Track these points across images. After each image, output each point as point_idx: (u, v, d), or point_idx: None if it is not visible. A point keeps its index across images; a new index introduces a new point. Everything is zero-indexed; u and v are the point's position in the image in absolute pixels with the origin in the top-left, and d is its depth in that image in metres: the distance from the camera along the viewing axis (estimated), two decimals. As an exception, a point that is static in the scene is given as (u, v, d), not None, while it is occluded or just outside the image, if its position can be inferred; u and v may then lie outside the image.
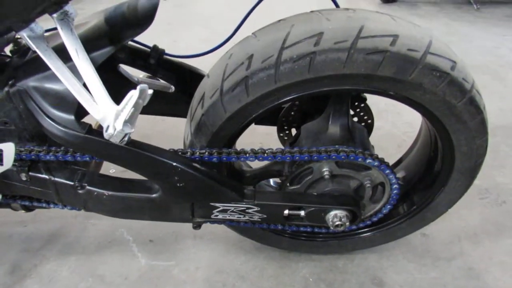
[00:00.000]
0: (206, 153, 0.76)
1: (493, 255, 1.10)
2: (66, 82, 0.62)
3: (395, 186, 0.84)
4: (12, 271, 1.05)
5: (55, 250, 1.12)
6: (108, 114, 0.59)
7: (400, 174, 1.00)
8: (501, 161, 1.48)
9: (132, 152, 0.71)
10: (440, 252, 1.11)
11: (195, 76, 0.96)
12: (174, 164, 0.73)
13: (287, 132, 1.02)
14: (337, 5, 0.86)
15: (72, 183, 0.79)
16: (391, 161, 0.99)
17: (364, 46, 0.67)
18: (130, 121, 0.58)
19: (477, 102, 0.74)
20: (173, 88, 0.98)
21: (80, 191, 0.79)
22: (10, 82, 0.72)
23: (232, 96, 0.72)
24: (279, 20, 0.78)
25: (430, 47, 0.70)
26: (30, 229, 1.18)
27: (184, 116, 0.95)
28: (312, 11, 0.77)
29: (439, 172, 0.89)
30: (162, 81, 0.97)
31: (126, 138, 0.62)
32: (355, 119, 0.98)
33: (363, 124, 0.97)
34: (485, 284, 1.03)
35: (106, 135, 0.59)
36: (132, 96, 0.56)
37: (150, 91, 0.61)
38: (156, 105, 0.96)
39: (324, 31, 0.69)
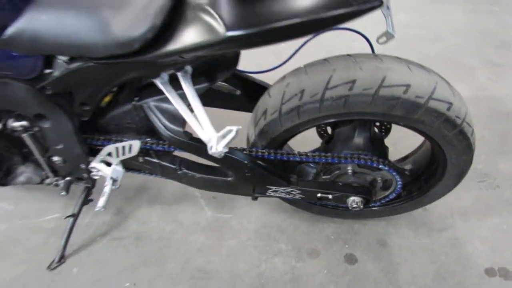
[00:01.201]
0: (266, 153, 1.10)
1: (477, 230, 1.42)
2: (183, 112, 0.95)
3: (399, 182, 1.16)
4: (117, 213, 1.47)
5: (144, 200, 1.52)
6: (212, 139, 0.92)
7: (407, 166, 1.30)
8: (509, 147, 1.73)
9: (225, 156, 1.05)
10: (435, 224, 1.44)
11: (256, 86, 1.26)
12: (245, 162, 1.08)
13: (324, 128, 1.33)
14: (373, 50, 1.11)
15: (174, 166, 1.15)
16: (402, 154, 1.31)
17: (384, 94, 0.95)
18: (226, 146, 0.91)
19: (466, 132, 1.02)
20: (239, 92, 1.29)
21: (179, 172, 1.16)
22: (136, 99, 1.05)
23: (287, 117, 1.03)
24: (325, 60, 1.06)
25: (433, 93, 0.97)
26: (127, 181, 1.56)
27: (243, 110, 1.29)
28: (349, 55, 1.04)
29: (435, 172, 1.19)
30: (231, 86, 1.28)
31: (225, 150, 0.95)
32: (377, 123, 1.27)
33: (383, 128, 1.26)
34: (465, 252, 1.36)
35: (210, 152, 0.93)
36: (231, 131, 0.88)
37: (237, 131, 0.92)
38: (226, 102, 1.30)
39: (357, 79, 0.97)
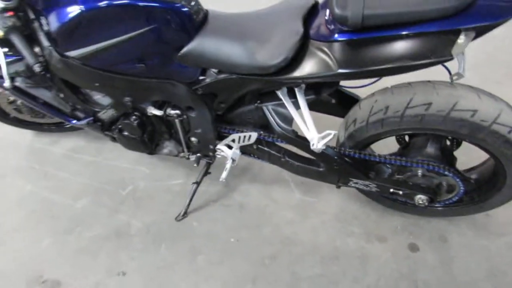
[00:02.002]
0: (353, 152, 1.40)
1: (534, 240, 1.60)
2: (294, 116, 1.30)
3: (461, 188, 1.40)
4: (226, 185, 1.87)
5: (247, 178, 1.91)
6: (314, 138, 1.25)
7: (474, 176, 1.52)
8: None
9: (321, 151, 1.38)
10: (495, 228, 1.64)
11: (348, 98, 1.56)
12: (335, 157, 1.39)
13: (402, 137, 1.59)
14: (450, 72, 1.35)
15: (279, 155, 1.51)
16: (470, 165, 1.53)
17: (454, 116, 1.20)
18: (325, 145, 1.23)
19: None
20: (334, 101, 1.59)
21: (282, 160, 1.51)
22: (258, 102, 1.42)
23: (373, 126, 1.33)
24: (409, 84, 1.32)
25: (497, 119, 1.20)
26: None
27: (335, 115, 1.60)
28: (430, 82, 1.29)
29: (496, 183, 1.41)
30: (328, 96, 1.59)
31: (323, 147, 1.27)
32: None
33: (454, 141, 1.49)
34: (519, 256, 1.55)
35: (312, 148, 1.26)
36: (330, 134, 1.21)
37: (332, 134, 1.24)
38: (322, 108, 1.62)
39: (433, 102, 1.23)
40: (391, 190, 1.45)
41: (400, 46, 1.04)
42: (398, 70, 1.07)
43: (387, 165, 1.56)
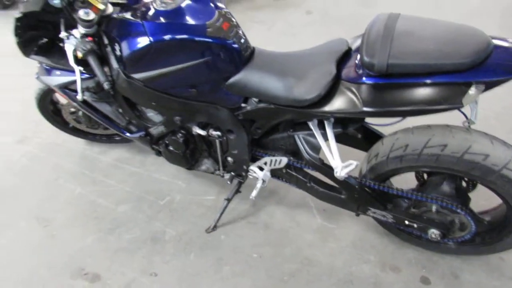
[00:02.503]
0: (373, 184, 1.54)
1: (545, 286, 1.66)
2: (322, 145, 1.46)
3: (473, 227, 1.50)
4: (253, 205, 2.03)
5: (273, 200, 2.06)
6: (338, 166, 1.41)
7: (487, 218, 1.62)
8: None
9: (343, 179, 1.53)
10: (508, 271, 1.70)
11: (372, 134, 1.71)
12: (356, 186, 1.54)
13: (421, 174, 1.71)
14: (466, 116, 1.48)
15: (305, 180, 1.67)
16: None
17: (467, 158, 1.33)
18: (347, 173, 1.39)
19: None
20: (360, 135, 1.75)
21: (308, 185, 1.67)
22: (291, 130, 1.59)
23: (392, 161, 1.46)
24: (429, 126, 1.46)
25: (508, 164, 1.31)
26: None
27: (359, 149, 1.74)
28: (448, 126, 1.43)
29: (508, 226, 1.50)
30: (354, 131, 1.75)
31: (346, 176, 1.43)
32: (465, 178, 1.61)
33: (470, 183, 1.60)
34: (528, 300, 1.62)
35: (335, 175, 1.42)
36: (352, 164, 1.37)
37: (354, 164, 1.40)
38: (348, 141, 1.77)
39: (448, 144, 1.36)
40: (406, 222, 1.57)
41: (418, 93, 1.19)
42: (414, 113, 1.23)
43: (404, 199, 1.68)
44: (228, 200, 1.88)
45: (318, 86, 1.34)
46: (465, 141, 1.35)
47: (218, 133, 1.67)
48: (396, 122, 1.61)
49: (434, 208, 1.53)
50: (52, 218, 1.96)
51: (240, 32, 1.50)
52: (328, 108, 1.33)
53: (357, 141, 1.77)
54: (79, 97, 1.58)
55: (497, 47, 1.15)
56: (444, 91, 1.16)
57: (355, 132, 1.75)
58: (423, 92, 1.19)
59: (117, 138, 2.34)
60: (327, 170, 1.52)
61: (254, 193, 1.72)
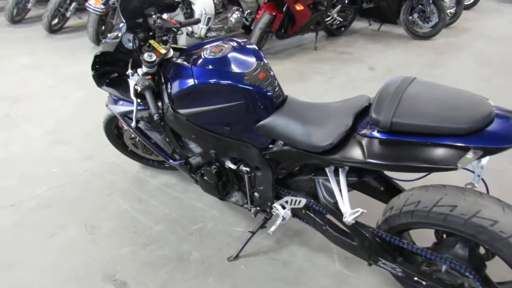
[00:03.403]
0: (383, 234, 1.59)
1: None
2: (335, 191, 1.57)
3: (482, 293, 1.48)
4: (277, 242, 2.13)
5: (297, 240, 2.15)
6: (347, 212, 1.50)
7: (504, 288, 1.58)
8: None
9: (353, 226, 1.61)
10: None
11: (394, 188, 1.78)
12: (367, 235, 1.60)
13: (440, 233, 1.72)
14: (487, 188, 1.51)
15: (322, 223, 1.76)
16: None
17: (474, 221, 1.35)
18: (354, 219, 1.47)
19: None
20: (382, 188, 1.82)
21: (323, 227, 1.76)
22: (312, 174, 1.71)
23: (404, 215, 1.52)
24: (443, 186, 1.51)
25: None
26: (292, 224, 2.23)
27: (382, 201, 1.80)
28: (462, 188, 1.47)
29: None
30: (378, 183, 1.82)
31: (352, 222, 1.51)
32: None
33: (489, 252, 1.58)
34: None
35: (343, 220, 1.51)
36: (358, 211, 1.46)
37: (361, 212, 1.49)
38: (372, 193, 1.84)
39: (458, 205, 1.40)
40: (416, 278, 1.59)
41: (416, 151, 1.28)
42: (411, 169, 1.31)
43: (416, 255, 1.68)
44: (252, 233, 2.01)
45: (332, 135, 1.47)
46: (475, 205, 1.38)
47: (247, 169, 1.83)
48: (418, 179, 1.67)
49: (443, 268, 1.54)
50: (98, 227, 2.22)
51: (275, 82, 1.70)
52: (338, 156, 1.44)
53: (380, 193, 1.84)
54: (133, 124, 1.86)
55: (499, 116, 1.21)
56: (441, 153, 1.24)
57: (378, 185, 1.83)
58: (421, 151, 1.27)
59: (166, 165, 2.60)
60: (339, 214, 1.61)
61: (272, 228, 1.84)
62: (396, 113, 1.28)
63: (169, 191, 2.51)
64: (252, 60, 1.69)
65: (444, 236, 1.67)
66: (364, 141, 1.40)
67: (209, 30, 4.89)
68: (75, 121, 3.35)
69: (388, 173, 1.81)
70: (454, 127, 1.20)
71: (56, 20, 5.59)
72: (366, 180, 1.76)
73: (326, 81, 4.29)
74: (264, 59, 1.74)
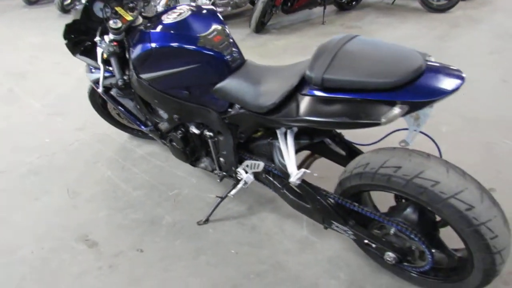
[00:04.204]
0: (331, 195, 1.59)
1: None
2: (284, 152, 1.57)
3: (429, 257, 1.46)
4: (249, 208, 2.16)
5: (269, 207, 2.17)
6: (293, 172, 1.51)
7: (459, 254, 1.55)
8: None
9: (302, 186, 1.61)
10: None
11: (355, 152, 1.76)
12: (318, 197, 1.60)
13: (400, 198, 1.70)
14: (439, 151, 1.47)
15: (280, 186, 1.77)
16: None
17: (416, 182, 1.33)
18: (298, 179, 1.48)
19: (483, 233, 1.28)
20: (344, 153, 1.80)
21: (281, 191, 1.77)
22: (270, 138, 1.72)
23: (354, 178, 1.50)
24: (394, 148, 1.48)
25: (457, 194, 1.29)
26: (266, 191, 2.26)
27: (343, 166, 1.79)
28: (412, 150, 1.43)
29: (470, 263, 1.44)
30: (340, 149, 1.80)
31: (298, 182, 1.52)
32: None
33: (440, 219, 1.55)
34: None
35: (289, 180, 1.51)
36: (302, 172, 1.46)
37: (305, 172, 1.48)
38: (336, 158, 1.83)
39: (402, 166, 1.37)
40: (365, 241, 1.58)
41: (344, 107, 1.26)
42: (338, 125, 1.30)
43: (367, 218, 1.67)
44: (221, 198, 2.05)
45: (275, 95, 1.46)
46: (419, 166, 1.36)
47: (211, 133, 1.86)
48: (377, 142, 1.65)
49: (392, 231, 1.53)
50: (80, 192, 2.32)
51: (232, 45, 1.70)
52: (280, 116, 1.44)
53: (342, 158, 1.82)
54: (100, 89, 1.91)
55: (429, 70, 1.18)
56: (367, 108, 1.22)
57: (340, 150, 1.81)
58: (348, 107, 1.25)
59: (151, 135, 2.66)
60: (288, 175, 1.61)
61: (233, 191, 1.86)
62: (328, 70, 1.26)
63: (152, 160, 2.57)
64: (209, 24, 1.70)
65: (403, 201, 1.66)
66: (301, 100, 1.39)
67: (214, 5, 4.87)
68: (74, 95, 3.47)
69: (349, 138, 1.80)
70: (380, 81, 1.18)
71: (68, 0, 5.73)
72: (329, 145, 1.76)
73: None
74: (223, 24, 1.74)
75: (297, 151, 1.76)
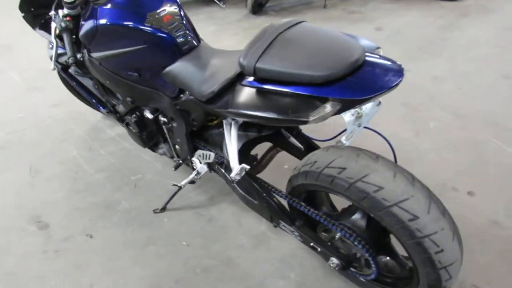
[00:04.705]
0: (276, 191, 1.49)
1: None
2: (229, 147, 1.47)
3: (373, 266, 1.36)
4: (210, 199, 2.08)
5: (231, 199, 2.08)
6: (234, 168, 1.40)
7: (411, 263, 1.45)
8: None
9: (248, 181, 1.52)
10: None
11: (312, 147, 1.65)
12: (263, 194, 1.50)
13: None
14: (394, 154, 1.35)
15: (230, 180, 1.67)
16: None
17: (359, 186, 1.22)
18: (238, 175, 1.38)
19: (426, 247, 1.17)
20: (303, 148, 1.69)
21: (232, 184, 1.67)
22: (221, 129, 1.62)
23: (300, 176, 1.40)
24: (346, 147, 1.37)
25: (401, 203, 1.18)
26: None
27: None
28: (360, 150, 1.32)
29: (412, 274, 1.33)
30: (299, 144, 1.69)
31: (237, 178, 1.42)
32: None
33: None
34: None
35: (231, 176, 1.41)
36: (243, 167, 1.36)
37: (244, 168, 1.38)
38: (295, 153, 1.72)
39: (347, 168, 1.26)
40: (311, 244, 1.49)
41: (274, 101, 1.15)
42: (265, 120, 1.18)
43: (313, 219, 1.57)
44: (178, 186, 1.97)
45: (216, 83, 1.35)
46: (365, 168, 1.25)
47: (164, 119, 1.76)
48: (334, 138, 1.54)
49: (337, 236, 1.43)
50: (41, 171, 2.26)
51: (184, 26, 1.58)
52: (218, 105, 1.34)
53: (302, 153, 1.71)
54: (51, 67, 1.82)
55: (367, 64, 1.05)
56: (297, 104, 1.10)
57: (299, 144, 1.70)
58: (278, 102, 1.14)
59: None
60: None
61: (183, 182, 1.78)
62: (261, 58, 1.14)
63: (121, 141, 2.50)
64: (160, 2, 1.58)
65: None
66: (238, 90, 1.28)
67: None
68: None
69: (307, 132, 1.68)
70: (311, 74, 1.06)
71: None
72: (288, 138, 1.65)
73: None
74: (177, 3, 1.62)
75: (256, 142, 1.67)
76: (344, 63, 1.04)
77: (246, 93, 1.24)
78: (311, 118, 1.08)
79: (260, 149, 1.76)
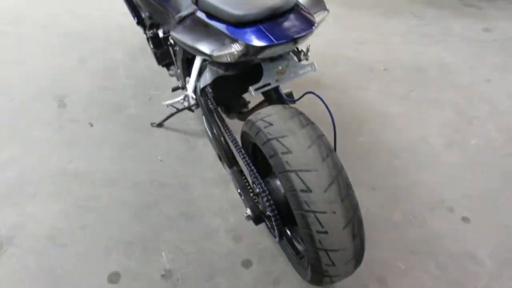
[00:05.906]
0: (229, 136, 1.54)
1: None
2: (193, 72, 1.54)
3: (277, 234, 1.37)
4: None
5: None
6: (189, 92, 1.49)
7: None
8: None
9: (212, 114, 1.59)
10: None
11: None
12: (214, 130, 1.57)
13: None
14: (331, 115, 1.30)
15: None
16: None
17: (273, 144, 1.20)
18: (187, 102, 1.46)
19: (309, 223, 1.15)
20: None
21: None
22: None
23: (247, 123, 1.43)
24: (284, 107, 1.34)
25: (301, 172, 1.15)
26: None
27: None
28: (300, 114, 1.29)
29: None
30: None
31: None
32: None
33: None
34: None
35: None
36: (187, 94, 1.43)
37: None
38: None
39: (273, 125, 1.25)
40: (238, 190, 1.53)
41: (201, 32, 1.17)
42: (184, 46, 1.22)
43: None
44: (176, 108, 2.10)
45: (179, 16, 1.41)
46: (287, 130, 1.24)
47: (172, 41, 1.88)
48: (299, 98, 1.53)
49: (256, 192, 1.45)
50: (86, 62, 2.58)
51: None
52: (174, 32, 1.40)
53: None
54: None
55: (287, 14, 1.02)
56: (210, 38, 1.12)
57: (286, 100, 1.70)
58: (200, 32, 1.17)
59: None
60: None
61: (168, 101, 1.89)
62: None
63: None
64: None
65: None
66: (186, 20, 1.32)
67: None
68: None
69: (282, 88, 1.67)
70: (231, 13, 1.06)
71: None
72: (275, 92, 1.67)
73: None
74: None
75: (242, 92, 1.70)
76: (259, 8, 1.03)
77: (188, 23, 1.29)
78: (214, 54, 1.10)
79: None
